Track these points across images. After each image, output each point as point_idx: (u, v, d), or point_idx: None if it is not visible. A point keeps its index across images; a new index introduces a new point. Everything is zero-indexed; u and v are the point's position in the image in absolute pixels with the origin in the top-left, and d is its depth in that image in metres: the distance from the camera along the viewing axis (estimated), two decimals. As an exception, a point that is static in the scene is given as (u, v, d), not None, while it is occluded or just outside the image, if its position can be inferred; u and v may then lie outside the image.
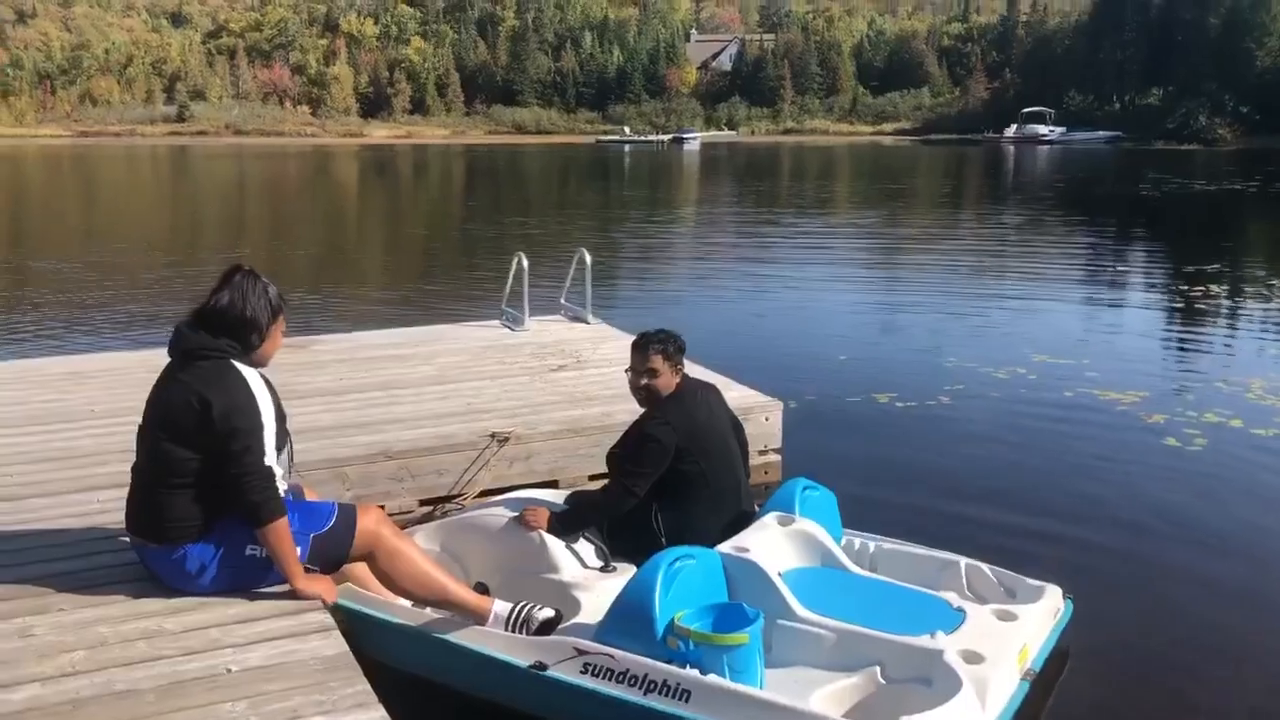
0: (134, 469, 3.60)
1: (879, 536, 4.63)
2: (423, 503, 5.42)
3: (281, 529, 3.42)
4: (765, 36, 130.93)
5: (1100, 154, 64.00)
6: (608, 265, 14.97)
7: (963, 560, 4.38)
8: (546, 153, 71.07)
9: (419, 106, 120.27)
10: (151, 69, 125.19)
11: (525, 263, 8.24)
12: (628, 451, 4.39)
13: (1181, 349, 10.33)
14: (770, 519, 4.31)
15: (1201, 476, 6.32)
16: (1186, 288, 13.79)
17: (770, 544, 4.15)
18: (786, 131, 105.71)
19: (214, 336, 3.48)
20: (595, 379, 6.71)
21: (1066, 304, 13.02)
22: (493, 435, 5.52)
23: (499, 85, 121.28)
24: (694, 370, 4.76)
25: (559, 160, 61.49)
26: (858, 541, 4.61)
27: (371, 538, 3.67)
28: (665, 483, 4.31)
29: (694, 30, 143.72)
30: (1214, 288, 13.83)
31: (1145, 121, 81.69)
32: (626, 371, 4.54)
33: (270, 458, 3.42)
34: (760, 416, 6.07)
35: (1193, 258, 17.46)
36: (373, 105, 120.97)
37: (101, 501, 4.46)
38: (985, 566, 4.34)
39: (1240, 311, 12.58)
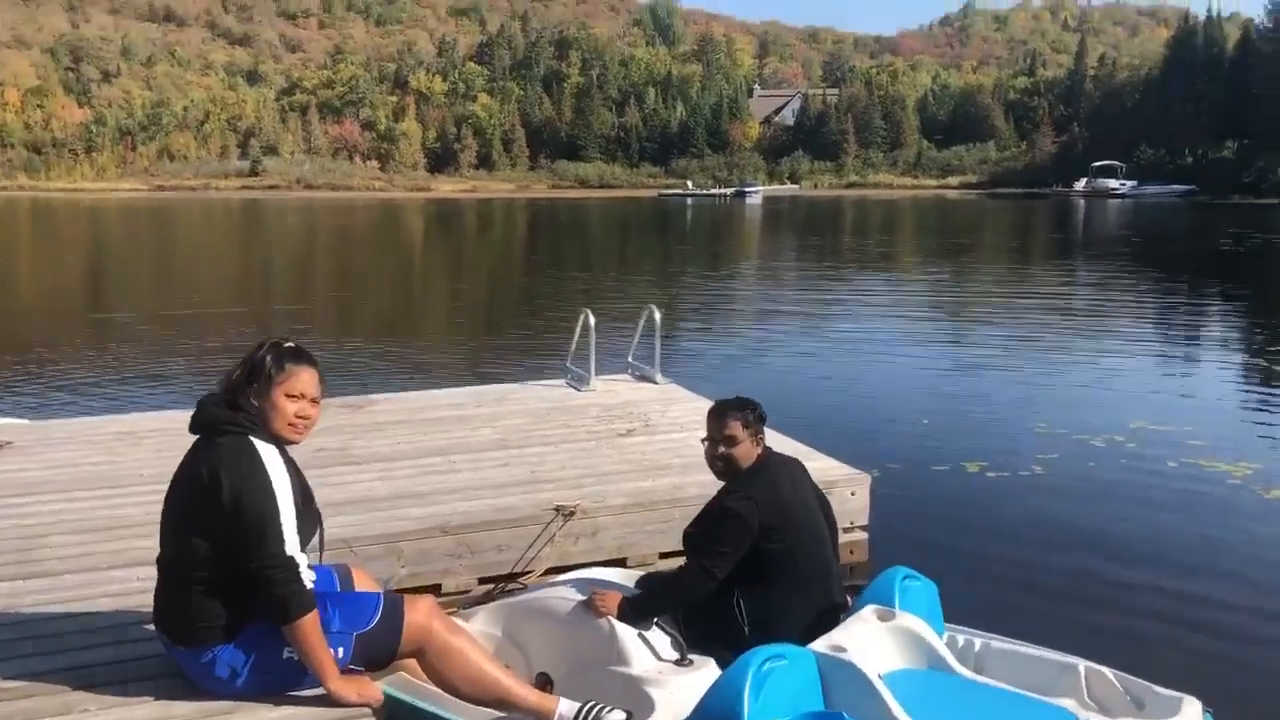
0: (157, 560, 3.28)
1: (984, 633, 4.14)
2: (482, 580, 5.05)
3: (309, 626, 3.05)
4: (828, 91, 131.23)
5: (1174, 208, 62.67)
6: (671, 322, 14.62)
7: (1081, 663, 3.87)
8: (609, 207, 71.42)
9: (485, 161, 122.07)
10: (227, 125, 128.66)
11: (592, 320, 7.92)
12: (706, 529, 4.00)
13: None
14: (868, 613, 3.85)
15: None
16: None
17: (870, 642, 3.69)
18: (849, 185, 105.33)
19: (233, 410, 3.14)
20: (665, 446, 6.32)
21: (1158, 366, 12.38)
22: (557, 509, 5.15)
23: (563, 140, 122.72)
24: (771, 438, 4.37)
25: (621, 214, 61.67)
26: (961, 639, 4.13)
27: (422, 633, 3.29)
28: (748, 565, 3.90)
29: (757, 85, 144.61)
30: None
31: (1219, 175, 79.99)
32: (702, 441, 4.16)
33: (291, 546, 3.05)
34: (846, 491, 5.62)
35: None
36: (440, 160, 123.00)
37: (141, 580, 4.14)
38: (1108, 671, 3.84)
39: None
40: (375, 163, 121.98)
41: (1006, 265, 27.74)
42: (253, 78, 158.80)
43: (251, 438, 3.11)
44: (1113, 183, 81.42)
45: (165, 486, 3.31)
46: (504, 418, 7.01)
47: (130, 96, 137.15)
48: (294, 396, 3.17)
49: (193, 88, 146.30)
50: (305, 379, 3.20)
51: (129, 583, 4.20)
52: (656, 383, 8.09)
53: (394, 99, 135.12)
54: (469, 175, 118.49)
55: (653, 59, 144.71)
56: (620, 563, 5.20)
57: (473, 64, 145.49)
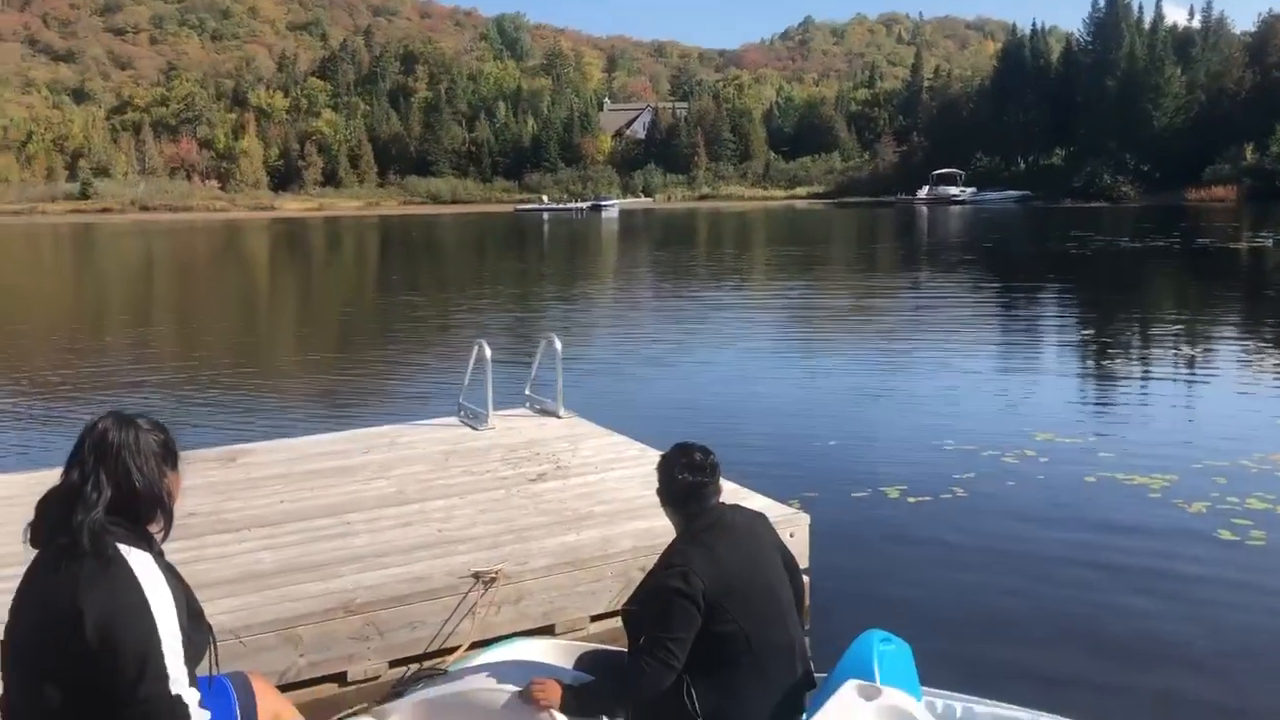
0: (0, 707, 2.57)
1: (964, 696, 3.73)
2: (394, 664, 4.40)
3: None
4: (677, 105, 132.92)
5: (1012, 213, 65.26)
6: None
7: (1076, 726, 3.53)
8: (464, 222, 70.15)
9: (331, 178, 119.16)
10: (52, 145, 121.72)
11: (488, 352, 7.32)
12: (650, 611, 3.40)
13: (1186, 420, 9.62)
14: (849, 692, 3.37)
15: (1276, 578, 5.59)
16: (1165, 351, 13.41)
17: (855, 728, 3.24)
18: (702, 197, 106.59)
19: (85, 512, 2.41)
20: (583, 490, 5.78)
21: (1047, 373, 12.35)
22: (476, 575, 4.55)
23: (413, 156, 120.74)
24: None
25: (477, 230, 60.61)
26: (940, 703, 3.70)
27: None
28: (696, 647, 3.35)
29: (607, 99, 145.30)
30: (1188, 349, 13.50)
31: (1051, 181, 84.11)
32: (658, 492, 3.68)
33: (179, 682, 2.39)
34: (785, 533, 5.12)
35: (1156, 317, 17.17)
36: (284, 178, 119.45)
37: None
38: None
39: (1238, 372, 12.04)
40: (215, 182, 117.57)
41: (869, 274, 28.07)
42: (79, 96, 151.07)
43: (120, 546, 2.42)
44: (953, 190, 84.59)
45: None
46: (397, 466, 6.34)
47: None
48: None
49: (12, 106, 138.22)
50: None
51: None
52: (560, 417, 7.54)
53: (233, 116, 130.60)
54: (315, 193, 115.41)
55: (502, 73, 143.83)
56: (549, 630, 4.65)
57: (315, 79, 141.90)
